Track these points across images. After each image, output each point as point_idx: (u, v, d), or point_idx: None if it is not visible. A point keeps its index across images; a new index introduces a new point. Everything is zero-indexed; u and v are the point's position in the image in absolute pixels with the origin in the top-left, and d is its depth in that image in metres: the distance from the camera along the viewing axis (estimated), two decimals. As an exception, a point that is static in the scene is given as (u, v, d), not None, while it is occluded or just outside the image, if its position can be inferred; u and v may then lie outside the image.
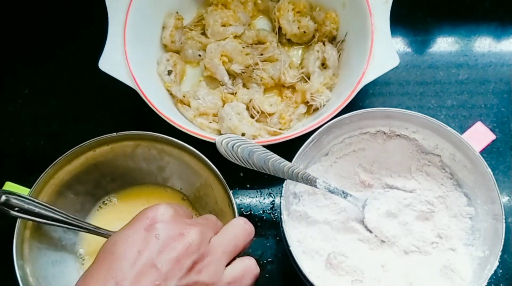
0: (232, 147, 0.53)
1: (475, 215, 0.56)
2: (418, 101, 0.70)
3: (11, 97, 0.72)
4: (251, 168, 0.54)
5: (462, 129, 0.67)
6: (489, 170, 0.53)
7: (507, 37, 0.74)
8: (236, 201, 0.65)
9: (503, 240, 0.51)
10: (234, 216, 0.53)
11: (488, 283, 0.60)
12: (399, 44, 0.74)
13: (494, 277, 0.61)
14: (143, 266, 0.38)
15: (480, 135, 0.57)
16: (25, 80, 0.74)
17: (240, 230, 0.45)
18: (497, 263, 0.50)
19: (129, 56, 0.62)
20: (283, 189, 0.53)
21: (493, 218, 0.54)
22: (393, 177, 0.61)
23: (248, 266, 0.44)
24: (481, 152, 0.55)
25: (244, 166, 0.54)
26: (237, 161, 0.54)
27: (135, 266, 0.38)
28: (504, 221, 0.51)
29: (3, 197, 0.51)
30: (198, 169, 0.58)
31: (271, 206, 0.65)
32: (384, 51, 0.61)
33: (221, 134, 0.64)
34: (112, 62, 0.62)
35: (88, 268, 0.41)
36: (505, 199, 0.65)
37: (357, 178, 0.61)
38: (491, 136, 0.56)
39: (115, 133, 0.57)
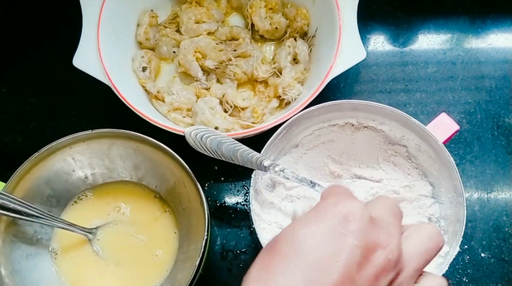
0: (201, 138, 0.54)
1: (438, 203, 0.58)
2: (388, 95, 0.71)
3: None
4: (220, 158, 0.55)
5: (430, 120, 0.69)
6: (452, 159, 0.54)
7: (474, 31, 0.75)
8: (211, 193, 0.66)
9: (463, 227, 0.52)
10: (205, 216, 0.53)
11: (455, 269, 0.63)
12: (370, 40, 0.75)
13: (461, 263, 0.63)
14: (340, 278, 0.31)
15: (444, 126, 0.57)
16: (3, 78, 0.74)
17: (435, 243, 0.36)
18: (458, 249, 0.51)
19: (103, 53, 0.62)
20: (252, 179, 0.54)
21: (456, 206, 0.55)
22: (361, 168, 0.62)
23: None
24: (449, 143, 0.56)
25: (213, 156, 0.55)
26: (206, 152, 0.54)
27: (331, 275, 0.31)
28: (465, 208, 0.52)
29: None
30: (172, 168, 0.59)
31: (245, 198, 0.66)
32: (351, 45, 0.62)
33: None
34: (86, 59, 0.62)
35: (268, 259, 0.34)
36: (472, 188, 0.66)
37: (327, 169, 0.62)
38: (455, 127, 0.57)
39: (90, 131, 0.58)
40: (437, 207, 0.58)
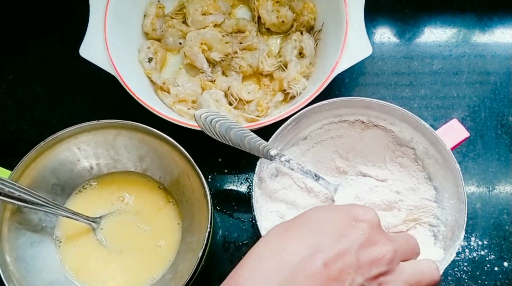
0: (211, 121, 0.54)
1: (440, 208, 0.58)
2: (393, 91, 0.72)
3: None
4: (228, 143, 0.55)
5: (435, 118, 0.70)
6: (458, 166, 0.55)
7: (481, 28, 0.76)
8: (215, 185, 0.67)
9: (463, 235, 0.53)
10: (208, 207, 0.54)
11: (455, 265, 0.64)
12: (376, 34, 0.76)
13: (461, 260, 0.63)
14: (344, 249, 0.39)
15: (454, 132, 0.58)
16: (10, 66, 0.75)
17: (430, 272, 0.43)
18: (454, 255, 0.52)
19: (109, 43, 0.63)
20: (257, 166, 0.56)
21: (457, 212, 0.55)
22: (367, 166, 0.63)
23: None
24: (455, 147, 0.57)
25: (221, 141, 0.55)
26: (214, 135, 0.55)
27: (338, 245, 0.39)
28: (466, 217, 0.53)
29: None
30: (177, 160, 0.59)
31: (247, 190, 0.67)
32: (358, 41, 0.63)
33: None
34: (93, 48, 0.63)
35: (286, 225, 0.42)
36: (474, 186, 0.67)
37: (333, 164, 0.63)
38: (465, 134, 0.57)
39: (96, 121, 0.59)
40: (439, 211, 0.58)
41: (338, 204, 0.58)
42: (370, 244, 0.40)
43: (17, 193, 0.54)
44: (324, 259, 0.38)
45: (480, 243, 0.64)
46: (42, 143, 0.57)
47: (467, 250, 0.64)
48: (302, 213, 0.42)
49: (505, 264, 0.63)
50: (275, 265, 0.38)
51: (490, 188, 0.66)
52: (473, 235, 0.64)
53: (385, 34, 0.76)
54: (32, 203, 0.55)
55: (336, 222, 0.41)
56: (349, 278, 0.38)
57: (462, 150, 0.68)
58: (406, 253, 0.43)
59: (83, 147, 0.60)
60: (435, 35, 0.75)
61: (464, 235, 0.53)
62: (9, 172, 0.57)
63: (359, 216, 0.41)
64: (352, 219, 0.41)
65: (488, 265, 0.63)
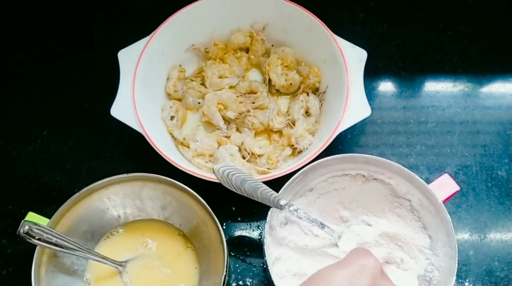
0: (227, 175, 0.60)
1: (435, 255, 0.63)
2: (391, 147, 0.78)
3: (32, 137, 0.80)
4: (242, 194, 0.60)
5: (429, 171, 0.75)
6: (449, 217, 0.60)
7: (472, 89, 0.83)
8: (229, 232, 0.72)
9: (454, 279, 0.58)
10: (224, 253, 0.60)
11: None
12: (375, 96, 0.83)
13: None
14: None
15: (446, 186, 0.63)
16: (45, 123, 0.82)
17: None
18: None
19: (137, 104, 0.70)
20: (268, 215, 0.61)
21: (450, 259, 0.60)
22: (368, 216, 0.68)
23: None
24: (447, 199, 0.62)
25: (236, 192, 0.61)
26: (231, 187, 0.60)
27: None
28: (457, 263, 0.58)
29: (26, 227, 0.58)
30: (196, 209, 0.65)
31: (259, 237, 0.73)
32: (358, 103, 0.69)
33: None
34: (123, 109, 0.70)
35: None
36: (467, 234, 0.72)
37: (337, 214, 0.68)
38: (456, 188, 0.63)
39: (125, 174, 0.65)
40: (434, 258, 0.63)
41: (343, 252, 0.64)
42: None
43: (54, 239, 0.60)
44: None
45: (473, 287, 0.69)
46: (77, 194, 0.63)
47: (461, 295, 0.69)
48: (315, 275, 0.47)
49: (498, 308, 0.68)
50: None
51: (482, 237, 0.72)
52: (466, 280, 0.69)
53: (384, 96, 0.83)
54: (67, 248, 0.60)
55: (343, 282, 0.45)
56: None
57: (455, 202, 0.74)
58: None
59: (112, 198, 0.66)
60: (430, 97, 0.82)
61: (459, 281, 0.58)
62: (47, 220, 0.63)
63: (364, 267, 0.46)
64: (359, 272, 0.46)
65: (481, 310, 0.68)
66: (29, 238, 0.58)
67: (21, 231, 0.58)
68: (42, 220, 0.63)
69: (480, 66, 0.85)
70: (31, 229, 0.58)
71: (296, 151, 0.76)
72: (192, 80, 0.81)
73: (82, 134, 0.81)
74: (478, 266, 0.70)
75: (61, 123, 0.82)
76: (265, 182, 0.63)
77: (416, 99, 0.83)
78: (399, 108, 0.82)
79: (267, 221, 0.61)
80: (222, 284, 0.58)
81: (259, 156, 0.75)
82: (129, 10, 0.94)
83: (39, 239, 0.59)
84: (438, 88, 0.84)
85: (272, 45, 0.83)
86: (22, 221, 0.59)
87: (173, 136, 0.76)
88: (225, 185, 0.61)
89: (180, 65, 0.81)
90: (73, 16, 0.92)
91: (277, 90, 0.81)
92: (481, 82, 0.84)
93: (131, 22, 0.92)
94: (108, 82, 0.73)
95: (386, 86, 0.84)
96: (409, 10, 0.92)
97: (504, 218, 0.73)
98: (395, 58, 0.87)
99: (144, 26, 0.76)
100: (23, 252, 0.72)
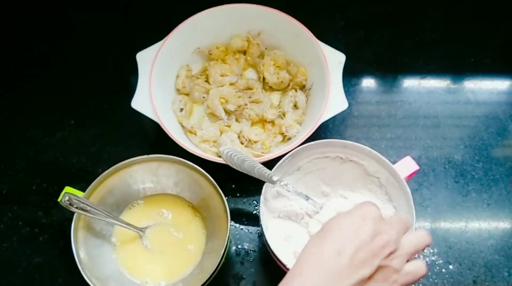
0: (231, 156, 0.69)
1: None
2: (366, 134, 0.89)
3: (60, 127, 0.90)
4: (243, 171, 0.69)
5: (397, 155, 0.88)
6: (409, 191, 0.69)
7: (436, 87, 0.95)
8: (229, 205, 0.79)
9: None
10: (227, 220, 0.68)
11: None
12: (352, 92, 0.94)
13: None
14: (360, 244, 0.49)
15: (407, 166, 0.71)
16: (73, 113, 0.91)
17: (424, 240, 0.53)
18: None
19: (154, 98, 0.79)
20: (263, 189, 0.69)
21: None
22: (345, 190, 0.76)
23: (421, 266, 0.52)
24: (409, 177, 0.72)
25: (238, 170, 0.69)
26: (234, 165, 0.69)
27: (356, 242, 0.49)
28: (414, 227, 0.67)
29: (67, 197, 0.67)
30: (203, 184, 0.73)
31: (255, 210, 0.83)
32: (337, 98, 0.79)
33: (219, 156, 0.76)
34: (141, 102, 0.79)
35: (317, 236, 0.51)
36: (427, 208, 0.84)
37: (319, 189, 0.76)
38: (416, 167, 0.71)
39: (145, 156, 0.74)
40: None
41: (323, 219, 0.73)
42: (378, 233, 0.49)
43: (89, 208, 0.70)
44: (348, 255, 0.48)
45: (431, 251, 0.80)
46: (106, 172, 0.73)
47: (421, 257, 0.80)
48: (326, 223, 0.52)
49: (450, 267, 0.79)
50: (316, 264, 0.49)
51: (439, 209, 0.84)
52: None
53: (360, 92, 0.94)
54: (99, 215, 0.71)
55: (350, 226, 0.50)
56: (369, 263, 0.48)
57: (418, 180, 0.86)
58: (404, 230, 0.53)
59: (134, 175, 0.77)
60: (399, 93, 0.94)
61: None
62: (81, 193, 0.74)
63: (365, 214, 0.51)
64: (361, 218, 0.50)
65: (437, 268, 0.78)
66: (70, 206, 0.68)
67: (63, 200, 0.68)
68: (79, 193, 0.75)
69: (442, 68, 0.97)
70: (71, 199, 0.68)
71: (286, 138, 0.85)
72: (198, 78, 0.89)
73: (105, 124, 0.89)
74: (435, 233, 0.82)
75: (86, 114, 0.91)
76: (260, 163, 0.74)
77: (388, 95, 0.94)
78: (373, 102, 0.93)
79: (262, 193, 0.69)
80: (226, 243, 0.67)
81: (255, 142, 0.84)
82: (144, 18, 1.04)
83: (77, 208, 0.68)
84: (406, 85, 0.95)
85: (266, 48, 0.92)
86: (63, 192, 0.69)
87: (182, 125, 0.85)
88: (229, 164, 0.71)
89: (187, 65, 0.89)
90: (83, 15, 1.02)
91: (270, 87, 0.90)
92: (442, 81, 0.96)
93: (145, 28, 1.02)
94: (131, 79, 0.83)
95: (362, 84, 0.95)
96: (382, 20, 1.03)
97: (458, 194, 0.85)
98: (370, 60, 0.97)
99: (159, 33, 0.85)
100: (56, 223, 0.81)
